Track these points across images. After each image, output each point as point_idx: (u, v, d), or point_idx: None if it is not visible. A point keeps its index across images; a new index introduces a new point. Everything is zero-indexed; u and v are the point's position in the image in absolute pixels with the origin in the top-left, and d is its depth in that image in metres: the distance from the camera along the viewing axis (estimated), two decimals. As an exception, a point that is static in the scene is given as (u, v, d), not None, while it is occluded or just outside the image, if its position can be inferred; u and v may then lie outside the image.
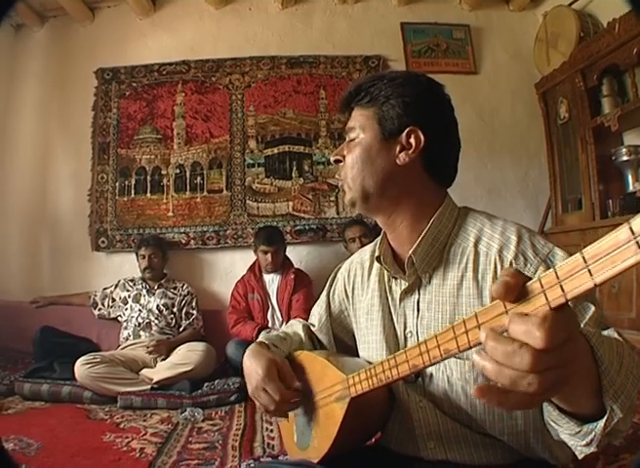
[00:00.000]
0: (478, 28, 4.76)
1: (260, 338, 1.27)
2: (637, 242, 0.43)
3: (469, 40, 4.72)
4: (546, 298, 0.52)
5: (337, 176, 1.17)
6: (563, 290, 0.50)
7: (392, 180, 1.07)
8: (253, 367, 1.14)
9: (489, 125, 4.63)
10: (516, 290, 0.55)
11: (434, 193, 1.10)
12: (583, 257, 0.48)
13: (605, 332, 0.79)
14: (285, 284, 3.82)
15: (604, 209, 3.59)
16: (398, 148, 1.06)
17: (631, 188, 3.52)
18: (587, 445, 0.70)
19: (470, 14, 4.78)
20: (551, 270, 0.51)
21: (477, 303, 0.99)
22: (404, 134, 1.05)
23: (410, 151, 1.05)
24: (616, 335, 0.78)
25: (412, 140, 1.05)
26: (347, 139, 1.13)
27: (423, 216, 1.07)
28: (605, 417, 0.66)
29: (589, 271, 0.47)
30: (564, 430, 0.72)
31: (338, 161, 1.14)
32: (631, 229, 0.43)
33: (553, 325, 0.50)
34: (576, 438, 0.71)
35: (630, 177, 3.57)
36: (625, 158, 3.55)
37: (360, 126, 1.10)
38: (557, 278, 0.50)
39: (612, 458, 1.62)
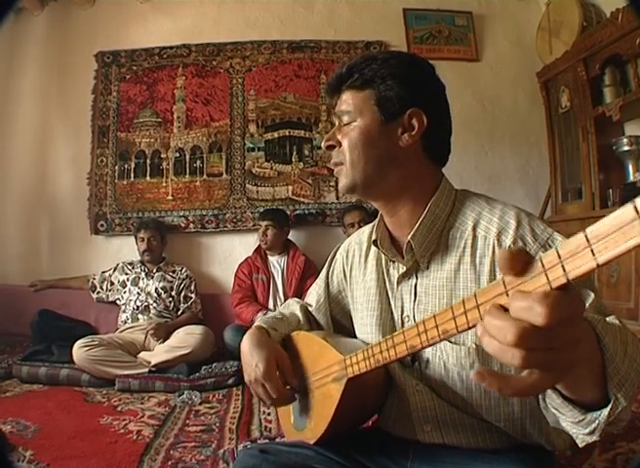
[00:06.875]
0: (480, 15, 4.73)
1: (259, 322, 1.25)
2: None
3: (471, 27, 4.69)
4: (547, 278, 0.49)
5: (331, 163, 1.11)
6: (564, 269, 0.48)
7: (395, 164, 1.04)
8: (253, 358, 1.12)
9: (490, 112, 4.62)
10: (521, 260, 0.52)
11: (432, 175, 1.09)
12: (586, 236, 0.46)
13: (608, 319, 0.78)
14: (294, 265, 3.85)
15: (604, 198, 3.59)
16: (400, 130, 1.03)
17: (632, 178, 3.52)
18: (590, 433, 0.69)
19: (473, 0, 4.75)
20: (553, 250, 0.49)
21: (474, 287, 0.97)
22: (406, 115, 1.03)
23: (412, 133, 1.03)
24: (617, 323, 0.77)
25: (414, 122, 1.02)
26: (340, 123, 1.09)
27: (423, 199, 1.05)
28: (610, 406, 0.65)
29: (592, 251, 0.45)
30: (566, 418, 0.71)
31: (331, 147, 1.09)
32: (636, 208, 0.42)
33: (556, 301, 0.47)
34: (578, 426, 0.70)
35: (631, 167, 3.57)
36: (626, 148, 3.55)
37: (355, 109, 1.05)
38: (559, 258, 0.48)
39: (608, 446, 1.64)
